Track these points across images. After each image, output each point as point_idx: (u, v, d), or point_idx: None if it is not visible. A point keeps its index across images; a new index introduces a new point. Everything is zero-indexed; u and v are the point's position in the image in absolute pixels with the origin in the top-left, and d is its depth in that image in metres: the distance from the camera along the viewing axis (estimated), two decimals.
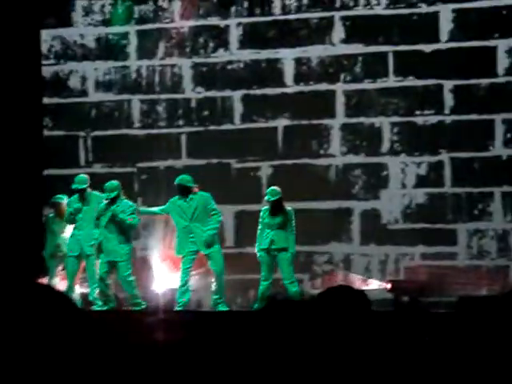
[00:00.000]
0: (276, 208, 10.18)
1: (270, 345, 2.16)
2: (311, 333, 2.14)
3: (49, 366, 1.51)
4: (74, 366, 1.52)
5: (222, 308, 10.14)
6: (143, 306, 10.27)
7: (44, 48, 12.43)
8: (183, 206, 10.20)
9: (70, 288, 10.39)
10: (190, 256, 10.18)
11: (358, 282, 10.70)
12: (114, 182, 10.37)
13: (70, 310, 1.54)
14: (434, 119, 11.37)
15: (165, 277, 10.60)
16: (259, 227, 10.29)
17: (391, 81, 11.50)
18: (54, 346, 1.50)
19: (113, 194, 10.20)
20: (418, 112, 11.41)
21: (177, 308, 10.11)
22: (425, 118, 11.39)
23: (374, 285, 10.63)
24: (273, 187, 10.38)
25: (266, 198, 10.27)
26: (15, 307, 1.55)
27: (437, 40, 11.38)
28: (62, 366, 1.51)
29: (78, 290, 10.61)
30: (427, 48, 11.38)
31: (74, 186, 10.51)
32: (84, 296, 10.53)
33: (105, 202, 10.21)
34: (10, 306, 1.55)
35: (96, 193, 10.56)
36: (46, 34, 12.44)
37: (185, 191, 10.20)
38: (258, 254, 10.27)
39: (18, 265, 11.06)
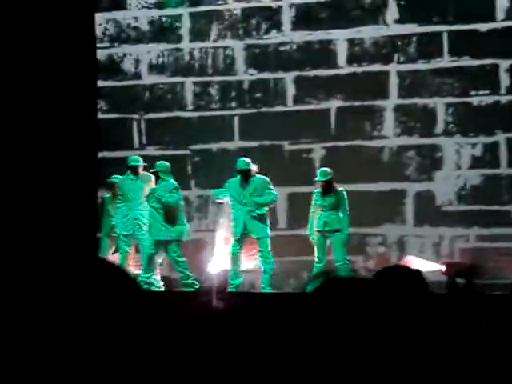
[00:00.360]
0: (327, 189, 10.16)
1: (325, 324, 2.15)
2: (368, 312, 2.12)
3: (110, 339, 1.52)
4: (131, 339, 1.53)
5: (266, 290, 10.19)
6: (196, 287, 10.33)
7: (98, 31, 12.51)
8: (240, 188, 10.27)
9: None
10: (243, 238, 10.27)
11: (412, 263, 10.62)
12: (164, 162, 10.54)
13: (127, 285, 1.55)
14: (489, 99, 11.21)
15: (219, 258, 10.64)
16: (311, 210, 10.29)
17: (445, 61, 11.36)
18: (115, 320, 1.51)
19: (154, 169, 10.37)
20: (473, 92, 11.27)
21: (230, 289, 10.16)
22: (480, 99, 11.24)
23: (428, 267, 10.55)
24: (323, 168, 10.38)
25: (316, 179, 10.26)
26: (76, 283, 1.56)
27: (493, 19, 11.20)
28: (123, 339, 1.51)
29: (130, 270, 10.72)
30: (483, 27, 11.21)
31: (128, 164, 10.71)
32: (135, 277, 10.62)
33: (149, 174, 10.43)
34: (71, 282, 1.56)
35: (148, 174, 10.71)
36: (99, 17, 12.51)
37: (244, 175, 10.27)
38: (311, 237, 10.27)
39: (73, 245, 11.19)
